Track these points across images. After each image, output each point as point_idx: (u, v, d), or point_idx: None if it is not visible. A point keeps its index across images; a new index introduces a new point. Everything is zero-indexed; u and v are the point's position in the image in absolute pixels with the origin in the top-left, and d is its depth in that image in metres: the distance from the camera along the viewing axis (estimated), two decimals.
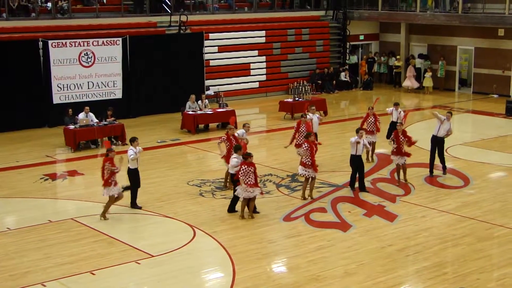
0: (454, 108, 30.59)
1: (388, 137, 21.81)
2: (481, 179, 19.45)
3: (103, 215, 16.21)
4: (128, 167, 16.79)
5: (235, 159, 16.57)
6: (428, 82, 34.59)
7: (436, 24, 34.04)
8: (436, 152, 19.61)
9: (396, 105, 22.03)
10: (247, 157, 16.05)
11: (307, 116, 20.29)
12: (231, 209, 16.59)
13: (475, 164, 20.49)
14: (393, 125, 22.03)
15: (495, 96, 33.00)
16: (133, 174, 16.87)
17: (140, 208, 16.87)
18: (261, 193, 16.44)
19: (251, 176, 15.89)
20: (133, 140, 16.95)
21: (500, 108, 29.18)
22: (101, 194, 16.30)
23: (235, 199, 16.49)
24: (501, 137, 24.65)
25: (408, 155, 18.83)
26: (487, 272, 13.23)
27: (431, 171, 19.79)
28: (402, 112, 21.84)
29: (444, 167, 19.82)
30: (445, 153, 20.02)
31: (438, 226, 15.74)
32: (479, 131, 23.15)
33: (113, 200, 16.19)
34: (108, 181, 15.95)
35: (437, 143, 19.61)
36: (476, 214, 16.46)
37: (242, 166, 15.94)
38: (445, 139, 19.68)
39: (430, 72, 34.65)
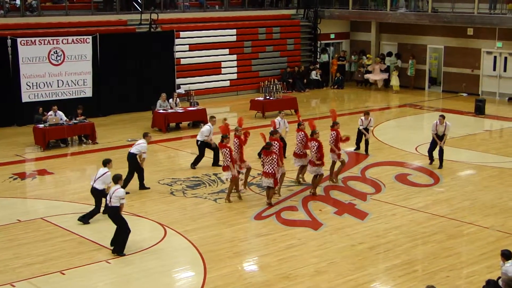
0: (424, 106, 30.84)
1: (358, 143, 21.93)
2: (450, 177, 19.60)
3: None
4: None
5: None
6: (394, 81, 34.77)
7: (406, 23, 34.26)
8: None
9: (367, 114, 21.81)
10: (268, 146, 16.78)
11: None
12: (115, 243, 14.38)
13: (444, 162, 20.61)
14: (360, 133, 21.93)
15: (464, 94, 33.29)
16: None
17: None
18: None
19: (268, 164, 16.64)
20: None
21: (469, 107, 29.44)
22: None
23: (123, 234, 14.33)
24: (470, 136, 24.86)
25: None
26: (456, 270, 13.34)
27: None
28: (372, 120, 21.83)
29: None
30: (415, 151, 20.08)
31: (408, 224, 15.84)
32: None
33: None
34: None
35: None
36: (445, 212, 16.59)
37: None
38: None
39: (397, 71, 34.89)
